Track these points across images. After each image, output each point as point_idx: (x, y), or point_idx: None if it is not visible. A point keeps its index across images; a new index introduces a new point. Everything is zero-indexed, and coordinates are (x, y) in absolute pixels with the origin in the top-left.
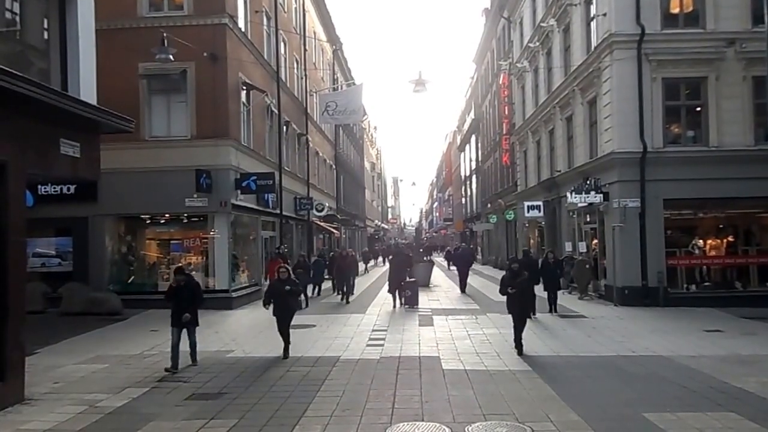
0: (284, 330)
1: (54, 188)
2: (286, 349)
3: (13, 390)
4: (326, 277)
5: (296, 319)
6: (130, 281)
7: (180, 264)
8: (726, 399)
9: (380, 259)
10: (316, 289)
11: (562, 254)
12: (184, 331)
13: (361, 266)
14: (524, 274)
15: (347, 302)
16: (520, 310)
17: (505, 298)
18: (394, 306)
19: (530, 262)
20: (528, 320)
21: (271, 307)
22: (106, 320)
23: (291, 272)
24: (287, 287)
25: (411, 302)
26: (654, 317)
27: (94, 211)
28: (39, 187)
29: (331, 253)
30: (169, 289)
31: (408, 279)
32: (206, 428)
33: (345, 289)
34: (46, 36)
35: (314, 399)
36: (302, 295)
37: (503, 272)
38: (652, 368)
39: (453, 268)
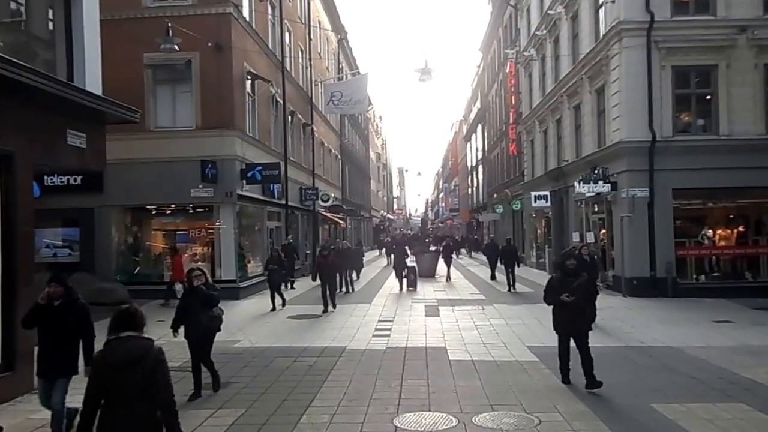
0: (203, 360)
1: (60, 179)
2: (197, 394)
3: (23, 380)
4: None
5: (302, 310)
6: (136, 272)
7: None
8: (735, 390)
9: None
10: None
11: (568, 245)
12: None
13: (372, 253)
14: (583, 274)
15: (330, 309)
16: (576, 327)
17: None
18: (401, 289)
19: (511, 250)
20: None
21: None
22: (113, 310)
23: (208, 277)
24: (205, 298)
25: (412, 285)
26: (663, 308)
27: (100, 201)
28: (45, 177)
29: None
30: (34, 308)
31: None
32: (214, 417)
33: (329, 293)
34: (51, 27)
35: (321, 389)
36: (278, 294)
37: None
38: (660, 359)
39: (460, 258)
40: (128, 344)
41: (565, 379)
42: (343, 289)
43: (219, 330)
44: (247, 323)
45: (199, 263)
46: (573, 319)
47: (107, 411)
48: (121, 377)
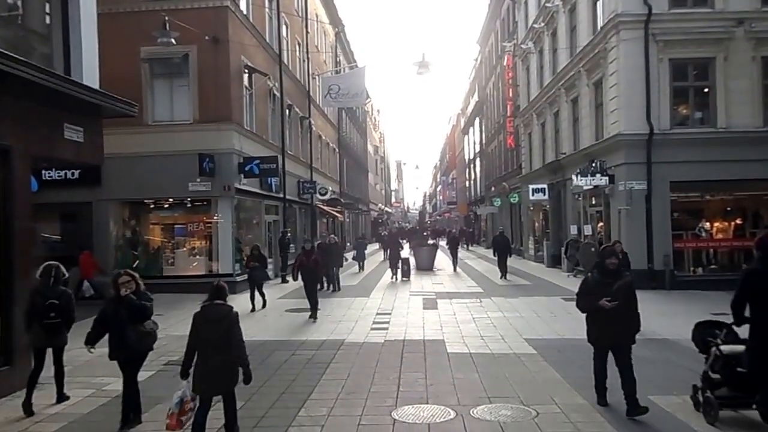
0: (126, 384)
1: (58, 173)
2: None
3: (21, 374)
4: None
5: (299, 303)
6: (135, 265)
7: None
8: None
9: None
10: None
11: (567, 236)
12: None
13: (371, 246)
14: (625, 275)
15: (314, 319)
16: (618, 339)
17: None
18: (393, 277)
19: (503, 241)
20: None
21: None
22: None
23: (140, 283)
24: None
25: (406, 275)
26: (660, 300)
27: (98, 196)
28: (43, 172)
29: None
30: None
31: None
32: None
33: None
34: (48, 21)
35: (319, 382)
36: (260, 293)
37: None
38: (658, 351)
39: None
40: (217, 308)
41: (602, 400)
42: (330, 287)
43: (151, 349)
44: (245, 317)
45: (197, 257)
46: (614, 329)
47: (202, 359)
48: (211, 329)
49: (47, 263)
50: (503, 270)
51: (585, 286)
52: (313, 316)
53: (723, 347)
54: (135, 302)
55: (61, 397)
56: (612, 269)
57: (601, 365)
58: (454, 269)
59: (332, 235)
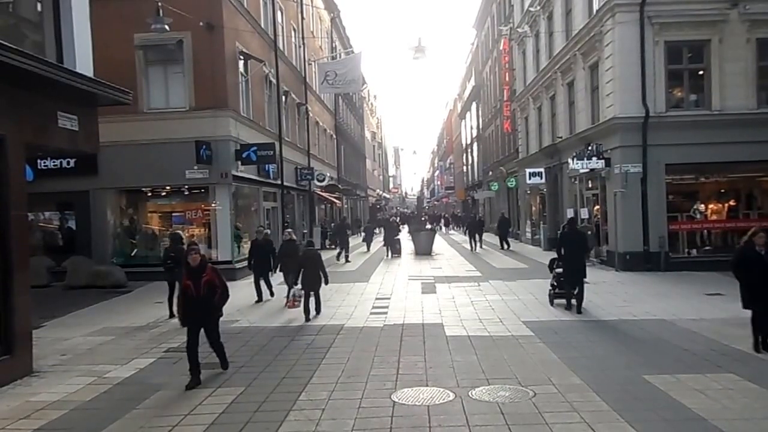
0: None
1: (54, 162)
2: None
3: (22, 363)
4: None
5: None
6: (133, 254)
7: None
8: (726, 361)
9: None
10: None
11: (564, 219)
12: None
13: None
14: None
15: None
16: None
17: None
18: (387, 255)
19: (478, 223)
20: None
21: None
22: (111, 293)
23: None
24: None
25: (398, 253)
26: (655, 282)
27: (94, 184)
28: (39, 161)
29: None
30: None
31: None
32: (213, 396)
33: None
34: (39, 8)
35: (319, 366)
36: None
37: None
38: (653, 332)
39: (451, 232)
40: (311, 250)
41: None
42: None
43: None
44: (244, 303)
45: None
46: None
47: (305, 275)
48: (308, 260)
49: (171, 232)
50: (476, 245)
51: None
52: (191, 383)
53: (557, 269)
54: None
55: (172, 315)
56: None
57: None
58: (480, 248)
59: (267, 231)
